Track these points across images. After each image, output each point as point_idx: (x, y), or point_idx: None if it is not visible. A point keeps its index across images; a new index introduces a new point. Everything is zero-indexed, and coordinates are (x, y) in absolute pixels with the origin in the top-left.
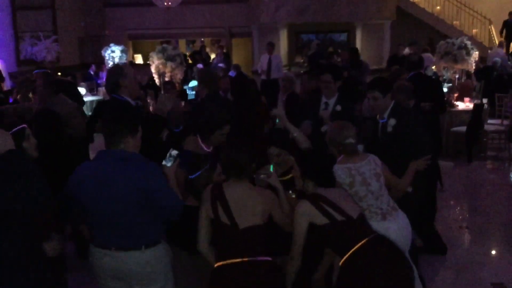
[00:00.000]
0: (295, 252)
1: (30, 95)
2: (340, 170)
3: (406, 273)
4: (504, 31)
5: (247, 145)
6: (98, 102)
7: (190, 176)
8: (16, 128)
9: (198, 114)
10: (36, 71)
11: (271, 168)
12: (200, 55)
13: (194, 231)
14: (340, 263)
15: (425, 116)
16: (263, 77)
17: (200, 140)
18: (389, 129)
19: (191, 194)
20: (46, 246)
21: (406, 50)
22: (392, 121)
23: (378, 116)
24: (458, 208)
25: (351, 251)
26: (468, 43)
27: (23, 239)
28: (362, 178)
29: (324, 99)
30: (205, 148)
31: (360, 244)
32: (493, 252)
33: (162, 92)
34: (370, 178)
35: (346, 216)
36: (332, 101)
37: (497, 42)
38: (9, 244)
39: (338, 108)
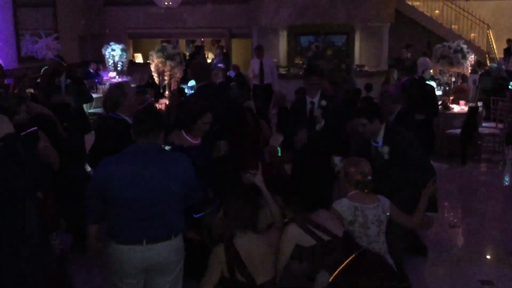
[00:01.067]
0: (278, 268)
1: (31, 91)
2: (346, 207)
3: (398, 283)
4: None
5: (251, 195)
6: (96, 120)
7: (194, 215)
8: (29, 130)
9: (180, 107)
10: (52, 57)
11: None
12: (199, 55)
13: (191, 259)
14: (330, 280)
15: (418, 124)
16: (255, 82)
17: (184, 134)
18: (386, 156)
19: (194, 229)
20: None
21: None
22: (386, 149)
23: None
24: (451, 208)
25: (339, 268)
26: (464, 46)
27: (25, 225)
28: (363, 220)
29: (309, 99)
30: (192, 140)
31: (348, 260)
32: (483, 250)
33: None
34: (371, 223)
35: (332, 236)
36: (316, 99)
37: (495, 47)
38: (9, 228)
39: (323, 103)
